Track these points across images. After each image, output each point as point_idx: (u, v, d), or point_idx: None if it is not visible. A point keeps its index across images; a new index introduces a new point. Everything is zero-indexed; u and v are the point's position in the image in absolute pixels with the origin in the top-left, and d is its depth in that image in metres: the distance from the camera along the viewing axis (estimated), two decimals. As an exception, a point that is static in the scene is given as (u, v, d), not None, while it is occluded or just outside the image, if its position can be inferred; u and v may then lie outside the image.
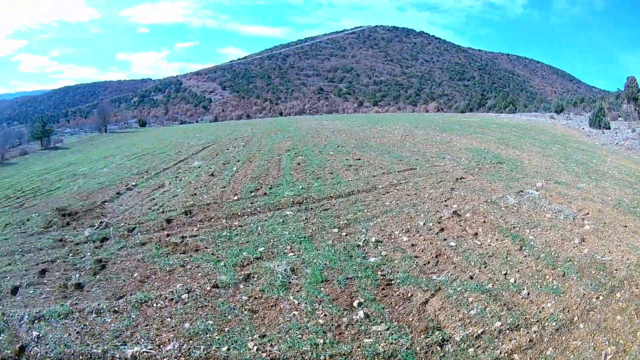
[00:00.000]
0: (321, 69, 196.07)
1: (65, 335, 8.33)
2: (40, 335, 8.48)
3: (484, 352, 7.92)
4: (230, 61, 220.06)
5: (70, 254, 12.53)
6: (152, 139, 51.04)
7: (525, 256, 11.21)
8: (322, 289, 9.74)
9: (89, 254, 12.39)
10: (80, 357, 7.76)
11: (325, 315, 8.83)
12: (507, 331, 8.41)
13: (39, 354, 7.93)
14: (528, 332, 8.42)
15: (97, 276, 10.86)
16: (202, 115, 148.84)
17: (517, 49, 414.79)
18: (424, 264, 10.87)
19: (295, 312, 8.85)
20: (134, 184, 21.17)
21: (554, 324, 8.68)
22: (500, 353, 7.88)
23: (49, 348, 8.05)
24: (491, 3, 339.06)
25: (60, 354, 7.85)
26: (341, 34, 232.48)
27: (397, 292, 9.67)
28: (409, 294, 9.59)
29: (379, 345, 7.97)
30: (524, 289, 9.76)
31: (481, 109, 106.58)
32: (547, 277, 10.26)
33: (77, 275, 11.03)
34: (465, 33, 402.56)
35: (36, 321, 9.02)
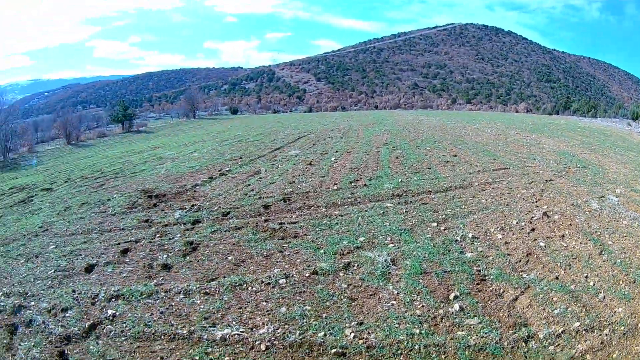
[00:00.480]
0: (415, 64, 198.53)
1: (146, 315, 8.64)
2: (117, 313, 8.83)
3: (562, 350, 8.34)
4: (325, 53, 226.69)
5: (157, 235, 13.19)
6: (245, 126, 52.44)
7: (604, 260, 11.61)
8: (420, 280, 10.11)
9: (178, 235, 12.98)
10: (162, 337, 8.03)
11: (423, 306, 9.17)
12: (584, 332, 8.84)
13: (112, 332, 8.27)
14: (600, 335, 8.75)
15: (187, 258, 11.30)
16: (296, 105, 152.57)
17: (595, 52, 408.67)
18: (516, 262, 11.46)
19: (394, 302, 9.18)
20: (227, 169, 22.00)
21: (622, 328, 8.96)
22: (576, 352, 8.30)
23: (126, 327, 8.38)
24: (571, 5, 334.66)
25: (138, 333, 8.14)
26: (433, 30, 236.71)
27: (490, 288, 10.21)
28: (501, 290, 10.13)
29: (470, 338, 8.44)
30: (600, 292, 10.17)
31: (566, 112, 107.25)
32: (621, 282, 10.61)
33: (165, 256, 11.50)
34: (549, 34, 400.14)
35: (113, 299, 9.43)
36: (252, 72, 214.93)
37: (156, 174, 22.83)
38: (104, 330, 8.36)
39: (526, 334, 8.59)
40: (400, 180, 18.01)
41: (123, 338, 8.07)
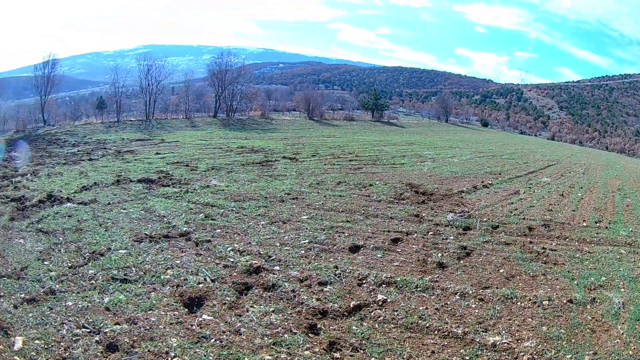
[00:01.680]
0: (639, 110, 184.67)
1: (421, 308, 8.46)
2: (388, 300, 8.66)
3: None
4: (566, 82, 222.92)
5: (430, 232, 13.27)
6: (497, 142, 52.65)
7: None
8: (637, 327, 9.20)
9: (451, 237, 13.00)
10: (435, 332, 7.84)
11: (636, 349, 8.38)
12: None
13: (380, 318, 8.08)
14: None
15: (461, 261, 11.17)
16: (540, 130, 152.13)
17: None
18: None
19: (618, 341, 8.55)
20: (489, 182, 22.32)
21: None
22: None
23: (398, 315, 8.20)
24: None
25: (411, 323, 7.92)
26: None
27: None
28: None
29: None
30: None
31: None
32: None
33: (439, 255, 11.44)
34: None
35: (384, 285, 9.32)
36: (502, 88, 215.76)
37: (419, 170, 23.54)
38: (372, 314, 8.23)
39: None
40: (630, 229, 16.71)
41: (392, 325, 7.87)
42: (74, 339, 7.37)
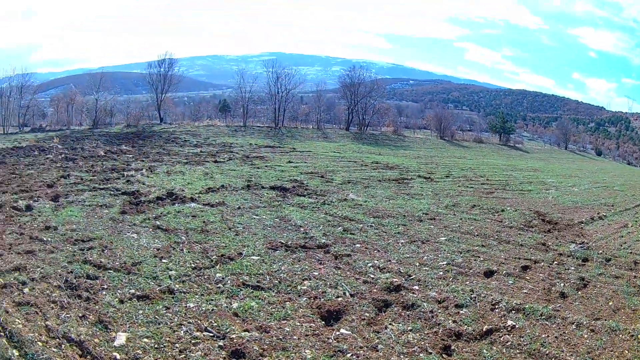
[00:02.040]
0: None
1: (543, 335, 8.85)
2: (516, 326, 9.11)
3: None
4: None
5: (555, 262, 13.57)
6: (609, 172, 51.75)
7: None
8: None
9: (572, 268, 13.16)
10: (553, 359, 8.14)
11: None
12: None
13: (508, 343, 8.49)
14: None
15: (579, 292, 11.39)
16: None
17: None
18: None
19: None
20: (604, 214, 21.98)
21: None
22: None
23: (522, 341, 8.60)
24: None
25: (534, 350, 8.29)
26: None
27: None
28: None
29: None
30: None
31: None
32: None
33: (562, 285, 11.74)
34: None
35: (513, 311, 9.79)
36: (613, 116, 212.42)
37: (544, 198, 24.08)
38: (501, 339, 8.64)
39: None
40: None
41: (518, 351, 8.26)
42: (192, 341, 7.69)
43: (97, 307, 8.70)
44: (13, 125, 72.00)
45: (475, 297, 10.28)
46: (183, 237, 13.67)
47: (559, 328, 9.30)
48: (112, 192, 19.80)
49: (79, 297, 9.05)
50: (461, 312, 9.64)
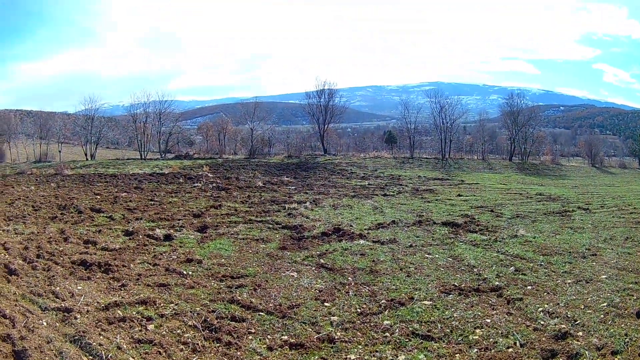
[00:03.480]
0: None
1: None
2: None
3: None
4: None
5: None
6: None
7: None
8: None
9: None
10: None
11: None
12: None
13: None
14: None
15: None
16: None
17: None
18: None
19: None
20: None
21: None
22: None
23: None
24: None
25: None
26: None
27: None
28: None
29: None
30: None
31: None
32: None
33: None
34: None
35: None
36: None
37: None
38: None
39: None
40: None
41: None
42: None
43: (238, 353, 8.38)
44: (152, 151, 75.31)
45: (628, 342, 9.31)
46: (350, 278, 13.20)
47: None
48: (270, 226, 19.70)
49: (218, 340, 8.74)
50: (616, 358, 8.78)
